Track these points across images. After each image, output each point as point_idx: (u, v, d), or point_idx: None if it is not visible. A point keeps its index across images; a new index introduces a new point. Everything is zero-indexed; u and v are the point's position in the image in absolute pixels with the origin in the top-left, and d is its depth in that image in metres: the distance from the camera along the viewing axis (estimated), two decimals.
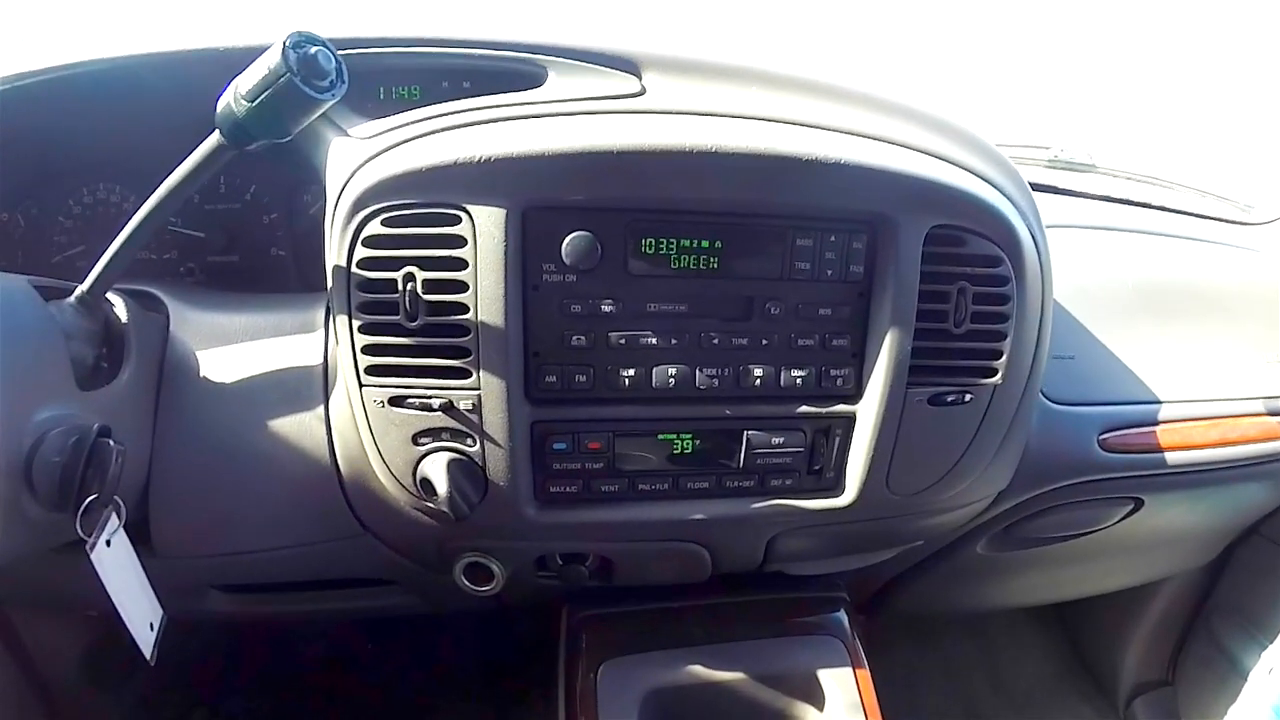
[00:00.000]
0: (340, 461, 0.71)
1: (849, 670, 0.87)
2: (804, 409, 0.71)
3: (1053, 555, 1.07)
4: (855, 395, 0.72)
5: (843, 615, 0.91)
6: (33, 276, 0.66)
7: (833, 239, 0.68)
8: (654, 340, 0.67)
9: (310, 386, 0.72)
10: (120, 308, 0.71)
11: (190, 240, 0.88)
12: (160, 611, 0.72)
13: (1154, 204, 1.24)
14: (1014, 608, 1.48)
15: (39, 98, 0.75)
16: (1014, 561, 1.06)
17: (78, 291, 0.66)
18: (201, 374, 0.73)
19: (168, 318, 0.75)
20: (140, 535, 0.73)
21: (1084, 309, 0.98)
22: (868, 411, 0.71)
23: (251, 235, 0.88)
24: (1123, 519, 1.02)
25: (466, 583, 0.74)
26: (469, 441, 0.66)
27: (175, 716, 1.27)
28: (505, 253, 0.62)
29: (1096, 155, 1.30)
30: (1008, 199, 0.73)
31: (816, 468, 0.73)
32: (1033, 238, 0.74)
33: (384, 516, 0.73)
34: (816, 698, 0.86)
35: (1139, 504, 1.00)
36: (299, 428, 0.71)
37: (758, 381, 0.69)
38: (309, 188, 0.88)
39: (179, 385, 0.72)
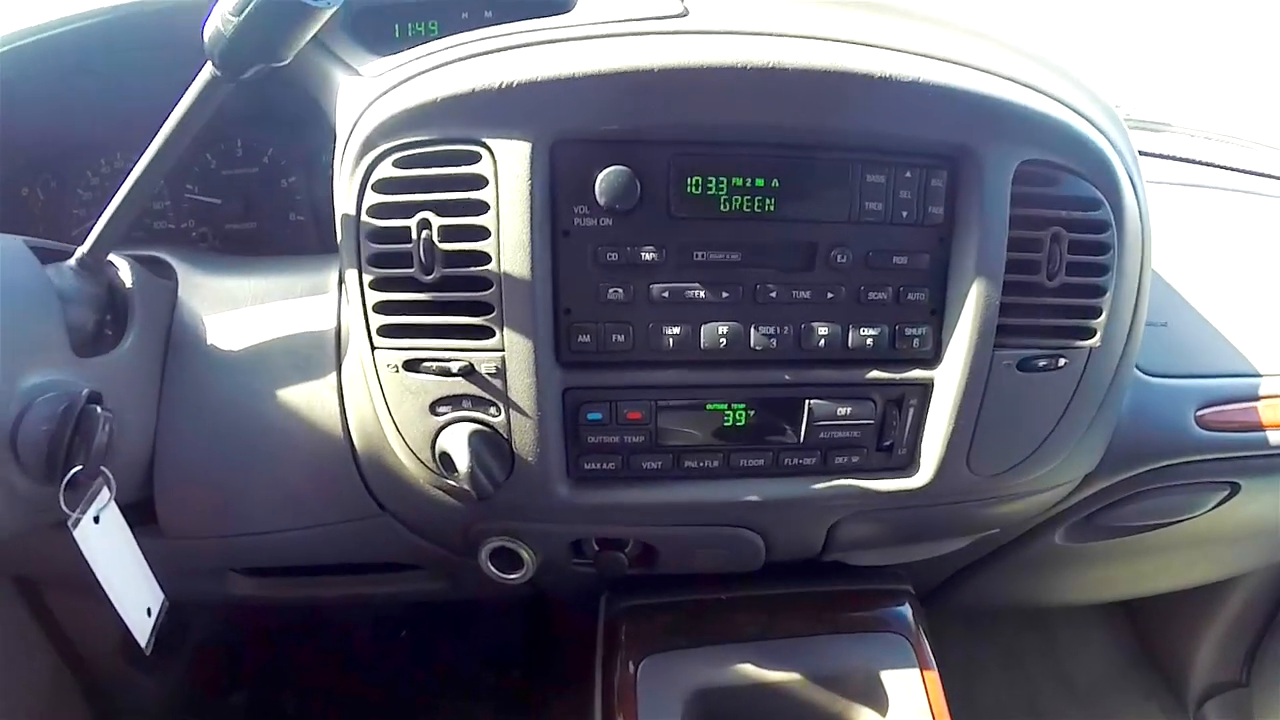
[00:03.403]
0: (354, 435, 0.61)
1: (915, 671, 0.74)
2: (874, 374, 0.58)
3: (1134, 546, 0.92)
4: (933, 359, 0.59)
5: (907, 609, 0.78)
6: (30, 238, 0.58)
7: (908, 175, 0.55)
8: (702, 294, 0.55)
9: (322, 353, 0.62)
10: (125, 272, 0.63)
11: (206, 208, 0.80)
12: (160, 596, 0.63)
13: (1238, 167, 1.07)
14: (1087, 604, 1.32)
15: (45, 58, 0.67)
16: (1092, 553, 0.91)
17: (78, 254, 0.59)
18: (209, 341, 0.64)
19: (177, 284, 0.66)
20: (147, 515, 0.65)
21: (1173, 272, 0.84)
22: (948, 378, 0.58)
23: (270, 200, 0.79)
24: (1215, 506, 0.87)
25: (494, 569, 0.64)
26: (493, 411, 0.55)
27: (216, 699, 1.20)
28: (531, 193, 0.52)
29: (1171, 113, 1.13)
30: (1104, 136, 0.59)
31: (887, 443, 0.61)
32: (1131, 181, 0.61)
33: (402, 496, 0.63)
34: (879, 700, 0.73)
35: (1234, 489, 0.85)
36: (309, 398, 0.62)
37: (822, 342, 0.57)
38: (328, 148, 0.79)
39: (185, 354, 0.64)
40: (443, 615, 1.26)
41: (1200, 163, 1.08)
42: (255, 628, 1.20)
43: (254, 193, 0.79)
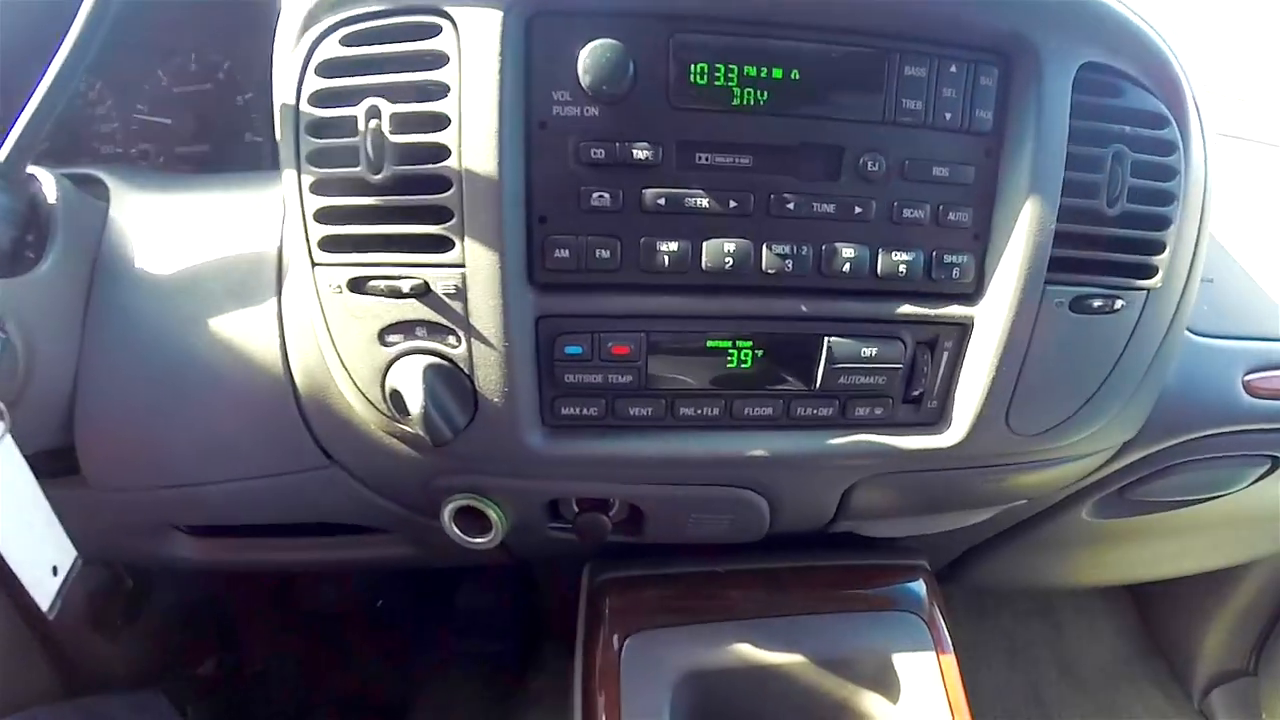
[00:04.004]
0: (295, 370, 0.50)
1: (930, 654, 0.64)
2: (906, 309, 0.48)
3: (1160, 525, 0.81)
4: (974, 294, 0.48)
5: (922, 586, 0.68)
6: None
7: (953, 70, 0.45)
8: (705, 202, 0.44)
9: (260, 275, 0.51)
10: (49, 186, 0.52)
11: (157, 129, 0.68)
12: (72, 554, 0.52)
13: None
14: (1103, 585, 1.21)
15: None
16: (1116, 531, 0.80)
17: None
18: (137, 265, 0.53)
19: (110, 203, 0.55)
20: (71, 463, 0.55)
21: (1217, 226, 0.73)
22: (990, 317, 0.47)
23: (224, 119, 0.68)
24: (1252, 483, 0.76)
25: (458, 532, 0.53)
26: (451, 341, 0.45)
27: (184, 668, 1.09)
28: (501, 73, 0.41)
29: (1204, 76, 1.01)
30: (1170, 48, 0.49)
31: (916, 393, 0.50)
32: (1195, 103, 0.51)
33: (351, 443, 0.52)
34: (890, 686, 0.63)
35: (1275, 464, 0.74)
36: (245, 328, 0.51)
37: (846, 266, 0.46)
38: None
39: (112, 278, 0.53)
40: (422, 581, 1.15)
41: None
42: (225, 594, 1.10)
43: (207, 111, 0.68)
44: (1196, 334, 0.66)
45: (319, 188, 0.44)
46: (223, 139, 0.68)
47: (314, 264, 0.45)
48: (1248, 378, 0.67)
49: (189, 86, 0.68)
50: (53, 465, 0.56)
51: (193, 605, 1.08)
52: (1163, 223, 0.49)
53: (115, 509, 0.59)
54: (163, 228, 0.54)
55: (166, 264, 0.53)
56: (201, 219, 0.54)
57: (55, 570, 0.51)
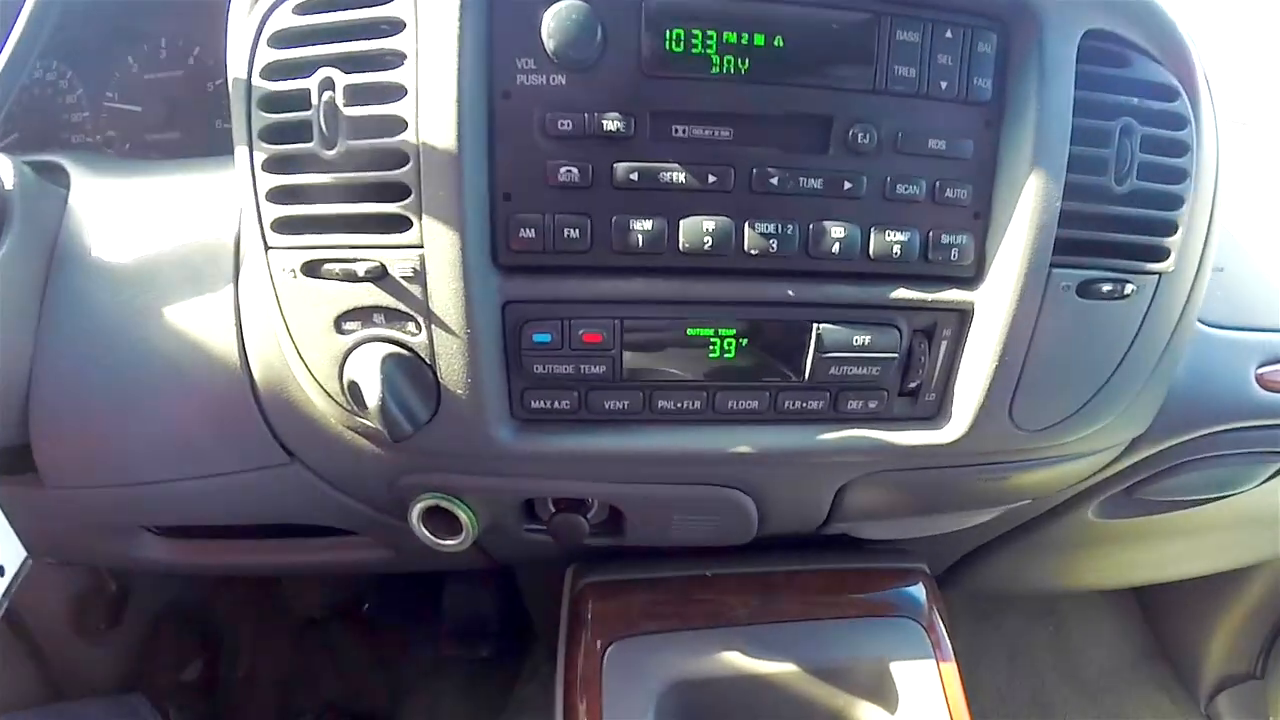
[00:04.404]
0: (253, 362, 0.47)
1: (930, 662, 0.59)
2: (901, 293, 0.43)
3: (1167, 525, 0.77)
4: (975, 277, 0.44)
5: (921, 591, 0.63)
6: None
7: (948, 35, 0.41)
8: (682, 177, 0.40)
9: (218, 263, 0.47)
10: (5, 171, 0.49)
11: (126, 117, 0.65)
12: (21, 555, 0.48)
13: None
14: (1107, 589, 1.17)
15: None
16: (1121, 532, 0.76)
17: None
18: (95, 253, 0.49)
19: (70, 190, 0.52)
20: (28, 461, 0.51)
21: (1226, 213, 0.69)
22: (992, 302, 0.43)
23: (194, 106, 0.65)
24: (1264, 481, 0.72)
25: (426, 533, 0.49)
26: (411, 328, 0.41)
27: (170, 669, 1.05)
28: (461, 39, 0.37)
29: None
30: (1177, 19, 0.45)
31: (913, 385, 0.46)
32: (1205, 77, 0.47)
33: (311, 439, 0.48)
34: (888, 695, 0.59)
35: None
36: (201, 317, 0.47)
37: (835, 247, 0.41)
38: None
39: (69, 267, 0.50)
40: (410, 585, 1.11)
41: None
42: (211, 598, 1.06)
43: (178, 98, 0.65)
44: (1207, 325, 0.62)
45: (271, 165, 0.40)
46: (193, 126, 0.64)
47: (267, 247, 0.41)
48: (1260, 371, 0.63)
49: (159, 73, 0.65)
50: (9, 463, 0.52)
51: (177, 608, 1.04)
52: (1175, 201, 0.45)
53: (74, 508, 0.55)
54: (123, 215, 0.51)
55: (125, 252, 0.49)
56: (163, 205, 0.51)
57: (2, 571, 0.47)
